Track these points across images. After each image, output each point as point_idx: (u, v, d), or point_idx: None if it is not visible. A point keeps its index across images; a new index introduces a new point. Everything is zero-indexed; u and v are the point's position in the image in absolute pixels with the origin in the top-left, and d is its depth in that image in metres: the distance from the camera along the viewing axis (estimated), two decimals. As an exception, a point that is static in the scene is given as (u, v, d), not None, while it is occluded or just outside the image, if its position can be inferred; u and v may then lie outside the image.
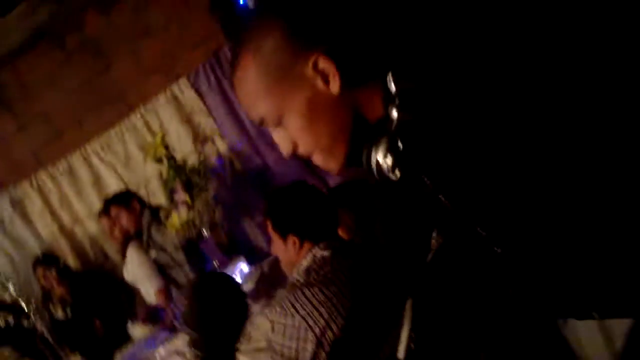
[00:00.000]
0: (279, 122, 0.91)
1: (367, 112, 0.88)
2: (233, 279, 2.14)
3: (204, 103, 3.88)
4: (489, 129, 0.76)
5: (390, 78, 0.80)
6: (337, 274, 1.57)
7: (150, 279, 3.57)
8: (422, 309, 1.22)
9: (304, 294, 1.54)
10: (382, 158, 0.82)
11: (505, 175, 0.77)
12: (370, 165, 0.84)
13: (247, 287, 2.94)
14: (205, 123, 3.88)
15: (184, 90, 3.87)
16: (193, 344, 1.92)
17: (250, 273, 3.18)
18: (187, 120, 3.90)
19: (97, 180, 4.10)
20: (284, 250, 1.75)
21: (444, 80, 0.78)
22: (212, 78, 3.80)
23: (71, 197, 4.12)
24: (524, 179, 0.76)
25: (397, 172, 0.81)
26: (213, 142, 3.88)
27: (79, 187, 4.11)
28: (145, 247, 3.55)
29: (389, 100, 0.81)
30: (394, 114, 0.80)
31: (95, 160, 4.06)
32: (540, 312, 0.97)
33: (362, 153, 0.86)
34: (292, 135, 0.91)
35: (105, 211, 3.67)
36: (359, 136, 0.87)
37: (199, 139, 3.87)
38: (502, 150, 0.76)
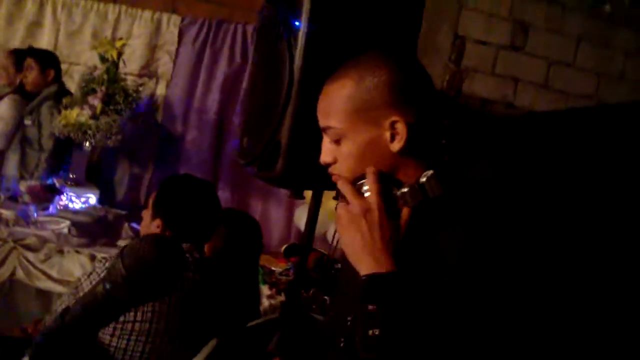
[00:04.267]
0: (336, 139, 1.02)
1: (399, 175, 1.01)
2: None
3: (177, 47, 3.83)
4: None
5: (427, 175, 0.94)
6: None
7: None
8: None
9: None
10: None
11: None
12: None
13: (82, 219, 2.87)
14: (165, 63, 3.83)
15: (170, 25, 3.82)
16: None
17: (95, 208, 3.09)
18: (151, 49, 3.83)
19: (34, 25, 3.88)
20: (147, 226, 1.79)
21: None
22: (203, 38, 3.78)
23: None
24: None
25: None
26: (157, 81, 3.83)
27: (10, 16, 3.85)
28: (26, 110, 3.37)
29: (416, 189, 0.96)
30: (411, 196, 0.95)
31: (48, 8, 3.85)
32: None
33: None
34: (339, 154, 1.03)
35: (18, 55, 3.49)
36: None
37: (148, 71, 3.81)
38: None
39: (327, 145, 1.06)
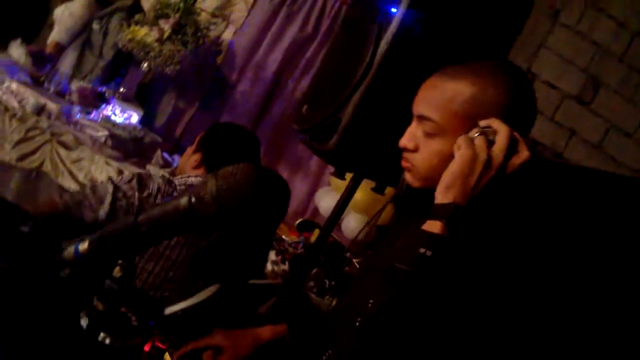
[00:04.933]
0: (430, 133, 1.01)
1: None
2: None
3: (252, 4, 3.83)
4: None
5: None
6: None
7: (65, 29, 3.42)
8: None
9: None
10: None
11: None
12: None
13: (120, 133, 2.92)
14: (240, 10, 3.84)
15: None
16: None
17: (134, 127, 3.15)
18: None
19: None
20: (187, 156, 1.87)
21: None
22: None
23: None
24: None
25: None
26: (227, 26, 3.85)
27: None
28: (97, 15, 3.42)
29: None
30: None
31: None
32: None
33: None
34: (425, 146, 1.02)
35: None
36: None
37: (222, 13, 3.83)
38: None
39: (413, 131, 1.04)
